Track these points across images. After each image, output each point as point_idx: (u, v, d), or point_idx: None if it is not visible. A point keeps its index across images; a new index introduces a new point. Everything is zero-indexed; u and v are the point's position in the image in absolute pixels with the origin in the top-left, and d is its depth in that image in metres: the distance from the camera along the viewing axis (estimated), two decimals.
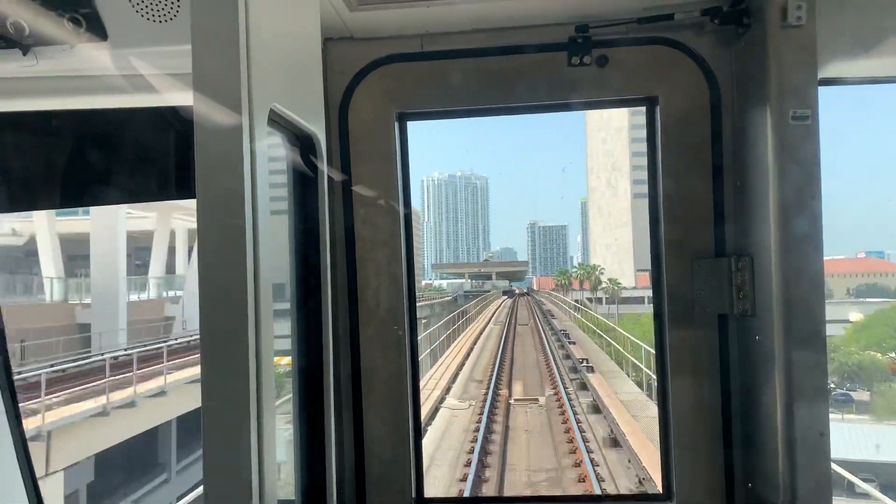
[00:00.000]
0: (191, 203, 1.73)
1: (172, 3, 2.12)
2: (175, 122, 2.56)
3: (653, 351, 3.02)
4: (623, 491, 14.87)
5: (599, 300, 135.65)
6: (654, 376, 2.74)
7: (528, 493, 15.13)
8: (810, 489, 2.13)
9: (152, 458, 30.62)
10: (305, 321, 2.31)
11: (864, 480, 12.00)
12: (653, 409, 18.79)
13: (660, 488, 2.58)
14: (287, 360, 2.27)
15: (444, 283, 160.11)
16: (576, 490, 15.64)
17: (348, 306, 2.59)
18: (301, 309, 2.32)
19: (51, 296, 39.94)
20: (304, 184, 2.32)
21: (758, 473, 2.35)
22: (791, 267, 2.16)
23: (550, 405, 24.13)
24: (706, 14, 2.37)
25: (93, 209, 35.16)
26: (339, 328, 2.52)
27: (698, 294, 2.45)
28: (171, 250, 47.35)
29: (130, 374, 24.64)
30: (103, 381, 22.97)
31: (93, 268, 37.49)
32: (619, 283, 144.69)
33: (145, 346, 30.71)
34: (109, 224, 36.68)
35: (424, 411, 21.71)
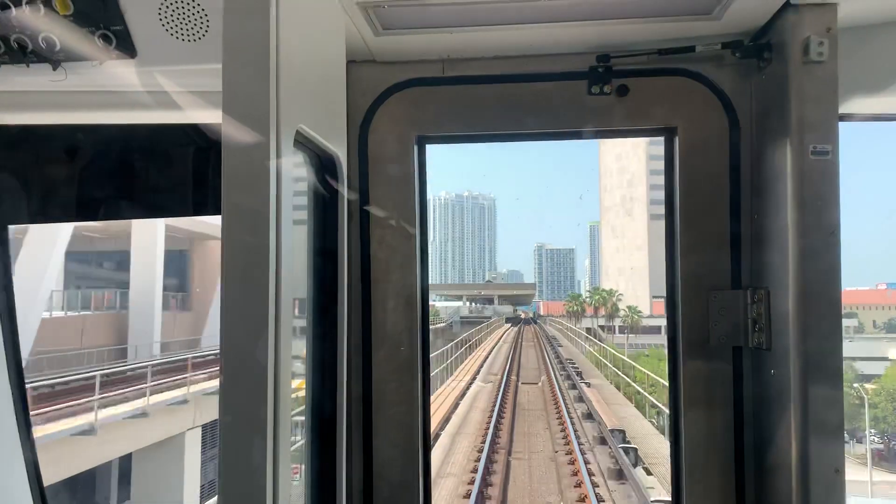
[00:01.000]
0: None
1: (202, 22, 2.20)
2: (199, 140, 2.64)
3: None
4: None
5: (611, 328, 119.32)
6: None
7: None
8: None
9: None
10: (321, 340, 2.36)
11: None
12: None
13: None
14: (301, 378, 2.29)
15: (438, 304, 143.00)
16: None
17: (361, 327, 2.62)
18: (317, 328, 2.36)
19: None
20: (324, 203, 2.37)
21: None
22: (808, 302, 2.17)
23: None
24: (727, 47, 2.42)
25: (134, 223, 35.61)
26: (351, 348, 2.52)
27: (713, 325, 2.47)
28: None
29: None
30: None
31: (132, 282, 37.94)
32: (640, 312, 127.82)
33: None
34: (149, 238, 37.21)
35: None
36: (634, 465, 16.88)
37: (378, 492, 2.58)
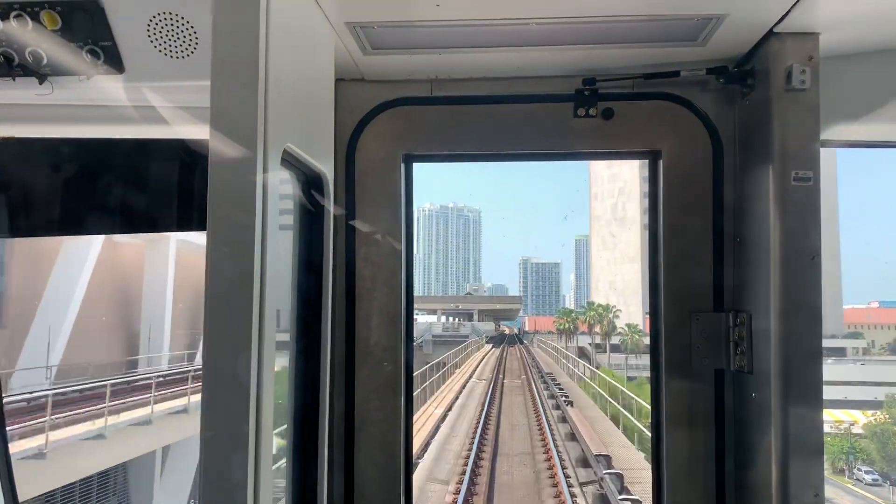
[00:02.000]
0: None
1: (191, 39, 2.24)
2: (186, 155, 2.67)
3: None
4: None
5: (601, 346, 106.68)
6: None
7: None
8: None
9: None
10: (305, 356, 2.37)
11: None
12: None
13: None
14: (283, 396, 2.31)
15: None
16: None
17: (345, 343, 2.64)
18: (301, 344, 2.39)
19: None
20: (310, 220, 2.41)
21: None
22: (789, 326, 2.23)
23: None
24: (711, 73, 2.49)
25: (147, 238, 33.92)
26: (335, 365, 2.56)
27: (695, 347, 2.52)
28: None
29: None
30: None
31: (144, 296, 35.57)
32: (640, 331, 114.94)
33: None
34: (162, 253, 35.20)
35: None
36: None
37: None
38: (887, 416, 69.54)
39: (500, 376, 51.18)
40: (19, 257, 33.28)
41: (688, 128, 2.57)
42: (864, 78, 2.48)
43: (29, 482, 20.34)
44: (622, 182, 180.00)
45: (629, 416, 29.55)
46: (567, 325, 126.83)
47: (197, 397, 27.78)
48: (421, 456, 21.84)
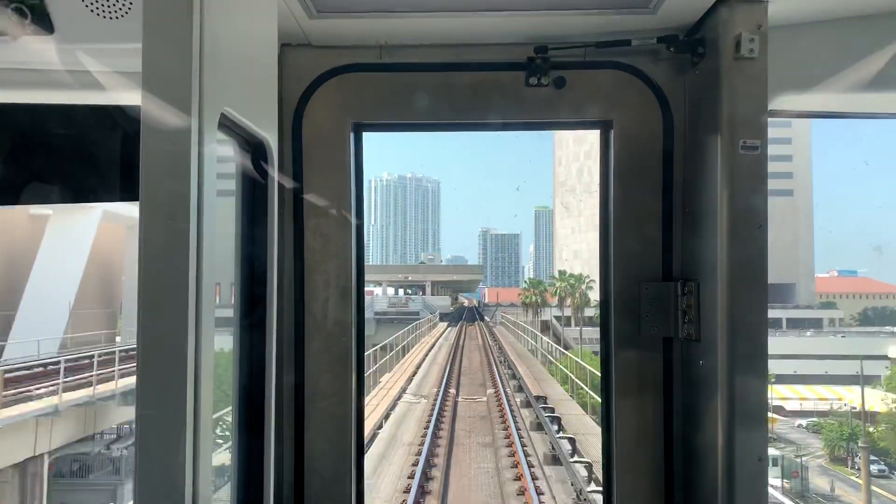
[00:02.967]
0: None
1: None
2: (122, 122, 2.60)
3: None
4: None
5: (566, 319, 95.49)
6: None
7: None
8: None
9: None
10: (249, 331, 2.34)
11: None
12: None
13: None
14: (228, 370, 2.26)
15: None
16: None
17: (294, 318, 2.63)
18: (245, 319, 2.35)
19: None
20: (253, 191, 2.35)
21: (697, 496, 2.47)
22: (736, 293, 2.27)
23: None
24: (662, 42, 2.51)
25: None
26: (283, 340, 2.58)
27: (644, 317, 2.57)
28: None
29: None
30: None
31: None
32: None
33: None
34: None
35: None
36: None
37: (309, 486, 2.62)
38: None
39: (452, 390, 30.46)
40: None
41: (639, 98, 2.59)
42: (811, 48, 2.52)
43: None
44: (588, 145, 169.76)
45: None
46: (534, 298, 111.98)
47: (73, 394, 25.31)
48: None
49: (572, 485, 16.22)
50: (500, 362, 42.77)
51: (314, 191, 2.63)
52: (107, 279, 36.49)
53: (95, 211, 32.79)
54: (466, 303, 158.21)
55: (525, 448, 19.32)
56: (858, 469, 53.25)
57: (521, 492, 15.84)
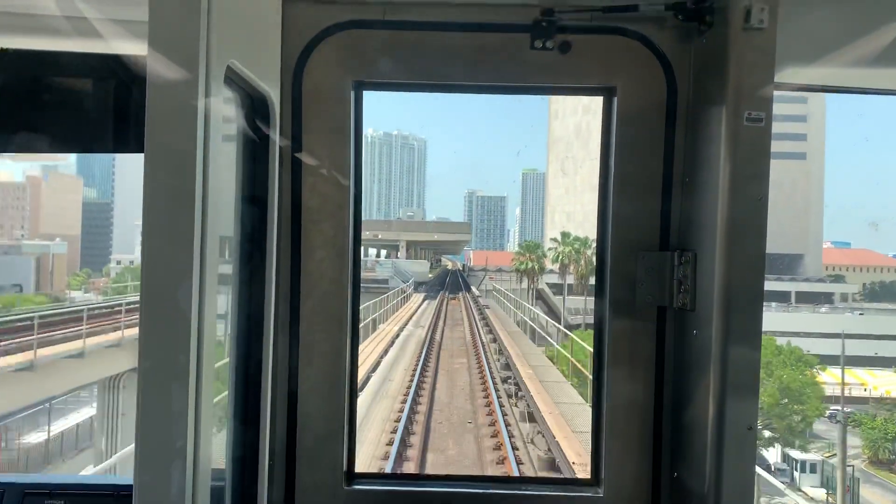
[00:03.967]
0: None
1: None
2: (122, 72, 2.58)
3: None
4: None
5: (562, 288, 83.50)
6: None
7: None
8: (735, 480, 2.30)
9: None
10: (248, 287, 2.39)
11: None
12: None
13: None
14: (227, 324, 2.35)
15: None
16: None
17: (290, 276, 2.65)
18: (244, 275, 2.40)
19: None
20: (253, 146, 2.40)
21: (685, 463, 2.53)
22: (733, 265, 2.30)
23: None
24: (670, 9, 2.50)
25: None
26: (279, 297, 2.59)
27: (640, 285, 2.60)
28: None
29: None
30: None
31: None
32: None
33: None
34: None
35: None
36: None
37: (302, 442, 2.67)
38: None
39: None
40: None
41: (644, 65, 2.59)
42: (820, 22, 2.52)
43: None
44: (587, 98, 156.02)
45: None
46: (529, 264, 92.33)
47: None
48: None
49: None
50: (504, 380, 26.31)
51: (313, 149, 2.64)
52: None
53: None
54: (450, 266, 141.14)
55: None
56: None
57: None
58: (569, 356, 28.51)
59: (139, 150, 1.76)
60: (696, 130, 2.50)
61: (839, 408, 48.47)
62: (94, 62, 2.60)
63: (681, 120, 2.57)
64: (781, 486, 16.87)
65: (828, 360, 60.75)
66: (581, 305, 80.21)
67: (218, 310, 1.81)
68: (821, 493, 42.27)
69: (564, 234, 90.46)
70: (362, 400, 21.79)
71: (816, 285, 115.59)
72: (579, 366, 26.64)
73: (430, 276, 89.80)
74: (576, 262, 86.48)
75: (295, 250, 2.64)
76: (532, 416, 20.63)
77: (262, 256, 2.39)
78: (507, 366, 28.42)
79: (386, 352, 31.13)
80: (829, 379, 61.08)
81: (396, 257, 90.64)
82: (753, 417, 2.32)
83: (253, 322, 2.38)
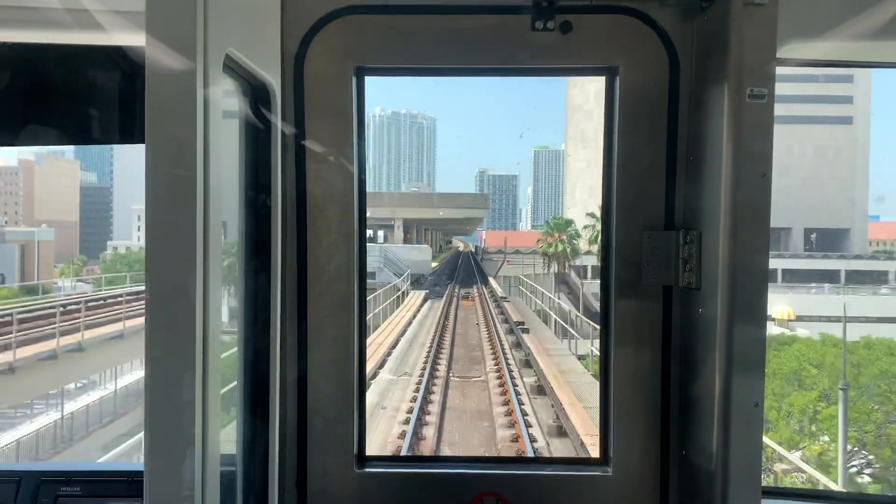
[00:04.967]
0: None
1: None
2: (124, 63, 2.63)
3: None
4: None
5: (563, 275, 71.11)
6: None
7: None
8: (742, 457, 2.33)
9: None
10: (255, 274, 2.44)
11: None
12: None
13: (598, 453, 2.83)
14: (234, 311, 2.40)
15: None
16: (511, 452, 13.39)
17: (297, 262, 2.71)
18: (251, 263, 2.45)
19: None
20: (256, 135, 2.44)
21: (692, 441, 2.57)
22: (738, 243, 2.33)
23: None
24: None
25: None
26: (286, 283, 2.66)
27: (645, 265, 2.64)
28: None
29: None
30: None
31: None
32: None
33: None
34: None
35: None
36: None
37: (312, 427, 2.73)
38: None
39: None
40: None
41: (646, 44, 2.61)
42: None
43: None
44: None
45: None
46: (560, 247, 77.46)
47: None
48: None
49: None
50: None
51: (316, 136, 2.67)
52: None
53: None
54: (462, 247, 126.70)
55: None
56: None
57: None
58: None
59: (143, 140, 1.79)
60: (699, 108, 2.55)
61: None
62: (96, 54, 2.64)
63: (683, 98, 2.61)
64: None
65: None
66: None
67: (225, 297, 1.82)
68: None
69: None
70: None
71: (867, 263, 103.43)
72: None
73: (434, 265, 71.01)
74: None
75: (301, 237, 2.69)
76: None
77: (268, 244, 2.44)
78: None
79: None
80: None
81: (392, 241, 71.57)
82: (760, 394, 2.36)
83: (261, 308, 2.44)
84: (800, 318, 66.98)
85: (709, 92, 2.45)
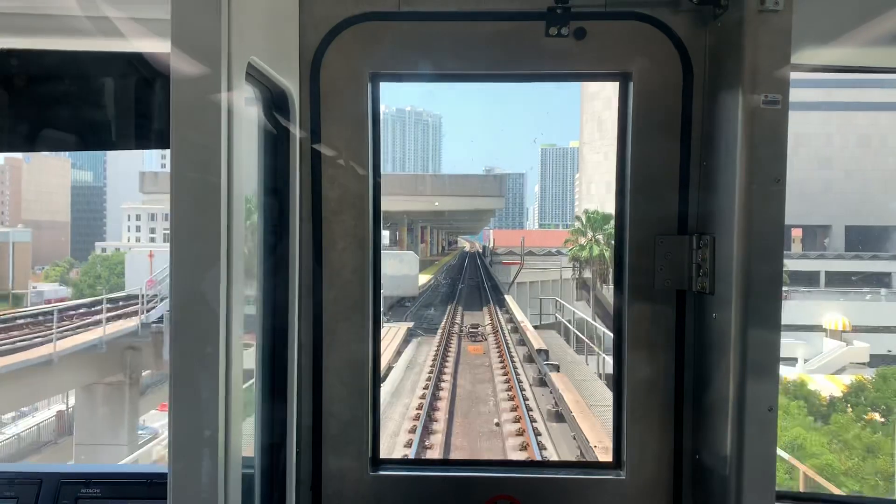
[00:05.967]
0: None
1: None
2: (142, 70, 2.68)
3: None
4: None
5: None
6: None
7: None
8: (756, 461, 2.36)
9: None
10: (272, 278, 2.50)
11: None
12: None
13: (611, 458, 2.87)
14: (253, 315, 2.46)
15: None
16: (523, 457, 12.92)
17: (312, 266, 2.77)
18: (268, 266, 2.50)
19: None
20: (274, 141, 2.50)
21: (706, 445, 2.60)
22: (752, 248, 2.37)
23: None
24: None
25: None
26: (303, 287, 2.73)
27: (658, 269, 2.68)
28: None
29: None
30: None
31: None
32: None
33: None
34: None
35: None
36: None
37: (327, 428, 2.77)
38: None
39: None
40: None
41: (659, 50, 2.64)
42: (837, 1, 2.58)
43: None
44: None
45: None
46: (597, 250, 59.76)
47: None
48: None
49: None
50: None
51: (331, 141, 2.72)
52: None
53: None
54: (468, 247, 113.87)
55: None
56: None
57: None
58: None
59: (160, 146, 1.86)
60: (713, 114, 2.58)
61: None
62: (116, 61, 2.69)
63: (697, 104, 2.65)
64: None
65: None
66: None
67: (244, 301, 1.86)
68: None
69: None
70: None
71: None
72: None
73: (426, 279, 48.99)
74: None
75: (317, 241, 2.73)
76: None
77: (286, 248, 2.49)
78: None
79: None
80: None
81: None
82: (774, 398, 2.38)
83: (278, 312, 2.48)
84: (856, 329, 57.67)
85: (722, 97, 2.50)
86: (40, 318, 29.74)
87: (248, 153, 2.04)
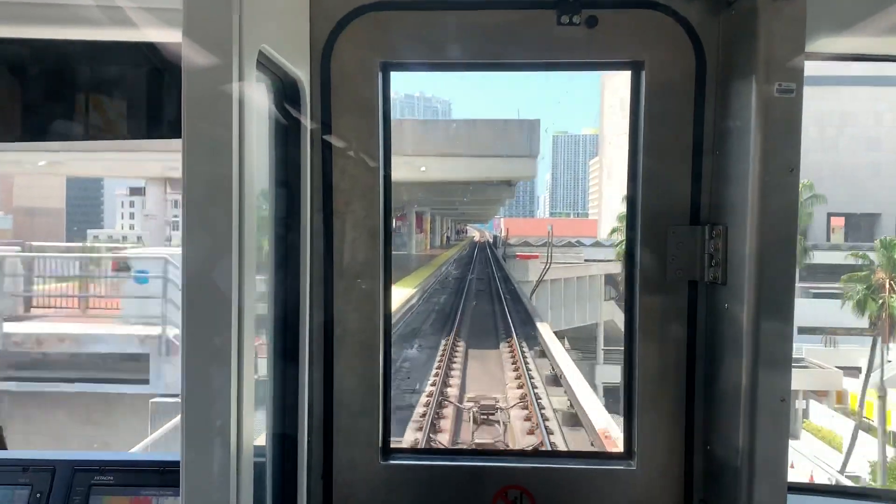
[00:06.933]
0: None
1: None
2: (153, 59, 2.69)
3: None
4: None
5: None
6: None
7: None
8: (768, 452, 2.38)
9: None
10: (283, 269, 2.53)
11: None
12: None
13: (621, 448, 2.93)
14: (265, 306, 2.51)
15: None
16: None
17: (323, 257, 2.80)
18: (279, 257, 2.53)
19: None
20: (285, 130, 2.52)
21: (718, 436, 2.64)
22: (765, 238, 2.39)
23: None
24: None
25: None
26: (313, 277, 2.76)
27: (670, 260, 2.71)
28: None
29: None
30: None
31: None
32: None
33: None
34: None
35: None
36: None
37: (338, 419, 2.80)
38: None
39: None
40: None
41: (672, 38, 2.65)
42: None
43: None
44: None
45: None
46: None
47: None
48: None
49: None
50: None
51: (342, 131, 2.73)
52: None
53: None
54: (477, 237, 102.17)
55: None
56: None
57: None
58: None
59: (172, 135, 1.86)
60: (726, 103, 2.60)
61: None
62: (127, 50, 2.67)
63: (710, 93, 2.67)
64: None
65: None
66: None
67: (255, 291, 1.87)
68: None
69: None
70: None
71: None
72: None
73: (410, 291, 31.12)
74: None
75: (327, 232, 2.75)
76: None
77: (297, 239, 2.50)
78: None
79: None
80: None
81: None
82: (787, 389, 2.38)
83: (289, 303, 2.49)
84: None
85: (736, 86, 2.51)
86: None
87: (259, 142, 2.00)
